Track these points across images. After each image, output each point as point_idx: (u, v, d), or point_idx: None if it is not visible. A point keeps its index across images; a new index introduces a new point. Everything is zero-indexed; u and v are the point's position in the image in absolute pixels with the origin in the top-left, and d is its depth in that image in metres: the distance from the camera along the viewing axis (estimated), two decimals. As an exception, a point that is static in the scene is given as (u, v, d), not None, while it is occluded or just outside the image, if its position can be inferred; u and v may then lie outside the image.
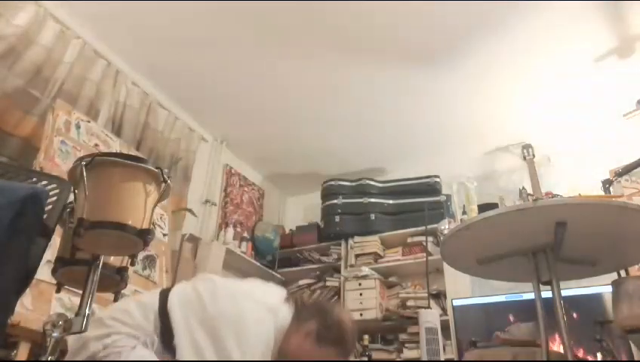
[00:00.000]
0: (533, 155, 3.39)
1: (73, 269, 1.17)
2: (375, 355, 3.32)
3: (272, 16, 2.84)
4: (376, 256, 3.70)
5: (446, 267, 3.03)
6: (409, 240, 3.67)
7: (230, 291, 1.53)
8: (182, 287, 1.54)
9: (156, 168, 1.18)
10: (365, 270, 3.51)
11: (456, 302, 3.04)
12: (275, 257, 4.02)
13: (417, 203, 3.70)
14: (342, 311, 1.72)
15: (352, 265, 3.67)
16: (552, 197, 1.64)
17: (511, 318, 2.57)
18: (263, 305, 1.49)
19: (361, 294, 3.44)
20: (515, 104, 3.53)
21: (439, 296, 3.33)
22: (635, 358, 2.16)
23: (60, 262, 1.17)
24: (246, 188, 4.26)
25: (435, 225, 3.09)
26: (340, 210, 3.87)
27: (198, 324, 1.42)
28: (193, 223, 3.51)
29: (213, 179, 3.88)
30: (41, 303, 1.94)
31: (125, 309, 1.46)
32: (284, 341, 1.48)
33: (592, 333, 2.20)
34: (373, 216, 3.78)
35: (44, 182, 1.24)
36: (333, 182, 4.03)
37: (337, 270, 3.77)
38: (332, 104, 3.60)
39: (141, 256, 2.58)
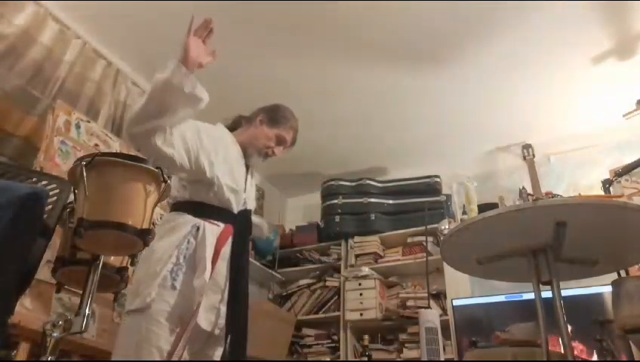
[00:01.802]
0: (533, 155, 3.41)
1: (73, 269, 1.17)
2: (375, 355, 3.32)
3: (273, 16, 2.84)
4: (376, 256, 3.70)
5: (446, 267, 3.03)
6: (409, 240, 3.67)
7: None
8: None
9: (156, 168, 1.18)
10: (365, 270, 3.51)
11: (456, 302, 3.05)
12: (275, 257, 4.02)
13: (417, 203, 3.70)
14: (280, 104, 2.20)
15: (352, 265, 3.67)
16: (552, 197, 1.64)
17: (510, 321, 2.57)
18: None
19: (361, 294, 3.43)
20: (515, 104, 3.53)
21: (439, 296, 3.33)
22: (635, 358, 2.16)
23: (60, 262, 1.17)
24: (246, 188, 4.26)
25: (435, 225, 3.09)
26: (340, 210, 3.87)
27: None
28: (193, 223, 3.51)
29: (213, 179, 3.88)
30: (41, 303, 1.93)
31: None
32: (243, 137, 1.97)
33: (592, 333, 2.20)
34: (373, 216, 3.78)
35: (44, 182, 1.24)
36: (333, 182, 4.03)
37: (337, 270, 3.77)
38: (332, 104, 3.60)
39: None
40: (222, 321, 1.61)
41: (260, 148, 1.98)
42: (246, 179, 1.94)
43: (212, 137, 1.81)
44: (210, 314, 1.60)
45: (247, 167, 1.98)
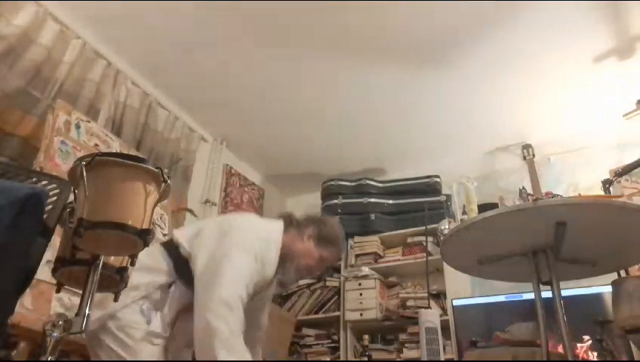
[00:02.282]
0: (533, 155, 3.40)
1: (73, 269, 1.17)
2: (375, 355, 3.32)
3: (272, 16, 2.84)
4: (376, 256, 3.70)
5: (446, 267, 3.03)
6: (409, 240, 3.67)
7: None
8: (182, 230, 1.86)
9: (156, 168, 1.17)
10: (365, 270, 3.51)
11: (456, 302, 3.05)
12: (275, 257, 4.02)
13: (417, 203, 3.70)
14: (333, 218, 2.12)
15: (352, 265, 3.67)
16: (552, 197, 1.64)
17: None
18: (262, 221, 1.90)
19: (361, 294, 3.44)
20: (515, 104, 3.53)
21: (439, 296, 3.33)
22: (635, 358, 2.16)
23: (60, 262, 1.17)
24: (246, 188, 4.27)
25: (435, 225, 3.08)
26: (339, 210, 3.87)
27: (212, 232, 1.71)
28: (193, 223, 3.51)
29: (213, 179, 3.88)
30: (41, 303, 1.93)
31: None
32: (286, 244, 1.79)
33: (592, 333, 2.20)
34: (373, 216, 3.79)
35: (44, 182, 1.24)
36: (333, 182, 4.03)
37: (337, 270, 3.77)
38: (332, 104, 3.60)
39: (141, 256, 2.57)
40: None
41: (301, 269, 1.84)
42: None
43: (261, 265, 1.73)
44: None
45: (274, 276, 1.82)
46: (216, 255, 1.62)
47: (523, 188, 1.81)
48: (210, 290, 1.55)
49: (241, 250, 1.64)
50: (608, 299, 2.10)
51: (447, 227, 2.54)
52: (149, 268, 1.68)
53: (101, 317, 1.55)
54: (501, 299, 2.89)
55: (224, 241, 1.65)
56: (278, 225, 1.84)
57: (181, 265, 1.69)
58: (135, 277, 1.57)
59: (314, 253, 1.83)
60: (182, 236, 1.76)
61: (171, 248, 1.75)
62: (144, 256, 1.67)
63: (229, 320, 1.49)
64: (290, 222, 1.89)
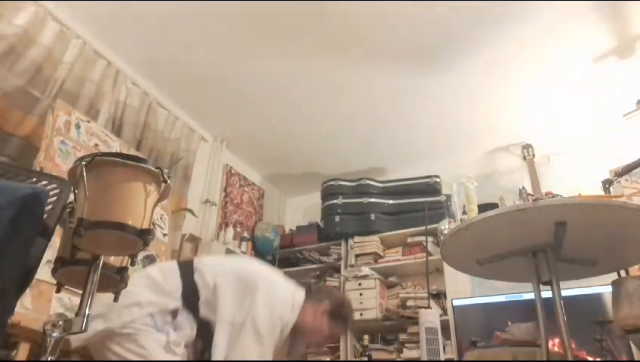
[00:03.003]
0: (533, 155, 3.40)
1: (73, 269, 1.17)
2: (375, 355, 3.32)
3: (272, 16, 2.84)
4: (376, 256, 3.70)
5: (446, 267, 3.03)
6: (409, 240, 3.67)
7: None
8: (203, 257, 1.87)
9: (156, 168, 1.17)
10: (365, 270, 3.51)
11: (456, 302, 3.05)
12: (275, 257, 4.02)
13: (417, 203, 3.70)
14: (345, 295, 2.24)
15: (352, 265, 3.67)
16: (552, 197, 1.64)
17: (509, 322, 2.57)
18: (287, 281, 1.89)
19: (361, 294, 3.43)
20: (515, 104, 3.53)
21: (439, 296, 3.33)
22: (635, 358, 2.16)
23: (60, 262, 1.17)
24: (246, 188, 4.27)
25: (435, 225, 3.09)
26: (339, 210, 3.87)
27: (235, 277, 1.74)
28: (193, 223, 3.51)
29: (213, 179, 3.89)
30: (41, 303, 1.93)
31: (147, 274, 1.73)
32: (302, 316, 1.82)
33: (592, 333, 2.20)
34: (373, 216, 3.79)
35: (44, 182, 1.24)
36: (333, 182, 4.03)
37: (337, 270, 3.77)
38: (332, 104, 3.60)
39: (141, 256, 2.58)
40: None
41: (314, 342, 2.03)
42: None
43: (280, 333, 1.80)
44: None
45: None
46: (245, 316, 1.67)
47: (523, 188, 1.81)
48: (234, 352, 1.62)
49: (267, 324, 1.70)
50: (608, 299, 2.10)
51: (447, 227, 2.54)
52: (160, 289, 1.69)
53: (107, 330, 1.57)
54: (501, 299, 2.89)
55: (255, 301, 1.70)
56: (300, 296, 1.87)
57: (189, 292, 1.71)
58: (143, 294, 1.63)
59: (325, 329, 1.89)
60: (202, 264, 1.80)
61: (187, 270, 1.76)
62: (157, 274, 1.74)
63: None
64: (309, 292, 1.92)
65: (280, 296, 1.80)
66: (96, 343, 1.61)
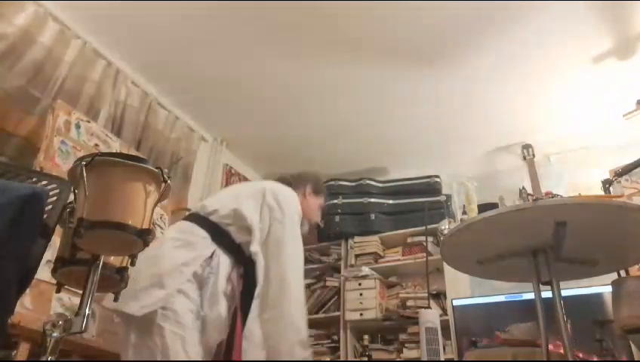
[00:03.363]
0: (533, 155, 3.39)
1: (73, 269, 1.17)
2: (375, 355, 3.32)
3: (272, 15, 2.84)
4: (377, 256, 3.70)
5: (446, 267, 3.03)
6: (409, 240, 3.67)
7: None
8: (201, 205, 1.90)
9: (156, 168, 1.17)
10: (365, 270, 3.51)
11: (456, 302, 3.05)
12: (275, 257, 4.02)
13: (417, 203, 3.70)
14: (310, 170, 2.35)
15: (352, 265, 3.67)
16: (552, 197, 1.64)
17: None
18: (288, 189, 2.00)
19: (361, 294, 3.44)
20: (515, 104, 3.53)
21: (439, 296, 3.33)
22: (635, 358, 2.16)
23: (60, 262, 1.17)
24: (246, 188, 4.26)
25: (435, 225, 3.08)
26: (339, 210, 3.87)
27: (244, 196, 1.86)
28: (193, 223, 3.50)
29: (213, 179, 3.88)
30: (41, 303, 1.94)
31: (172, 238, 1.74)
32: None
33: (592, 333, 2.20)
34: (373, 216, 3.78)
35: (44, 182, 1.24)
36: (333, 182, 4.03)
37: (337, 270, 3.77)
38: (332, 104, 3.60)
39: (141, 256, 2.57)
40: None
41: (313, 220, 2.13)
42: None
43: None
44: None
45: None
46: (280, 231, 1.79)
47: (523, 188, 1.81)
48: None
49: (296, 231, 1.87)
50: (608, 299, 2.10)
51: (447, 227, 2.54)
52: (190, 242, 1.70)
53: (156, 303, 1.55)
54: (501, 299, 2.89)
55: (284, 218, 1.81)
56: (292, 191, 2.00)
57: (218, 235, 1.75)
58: (179, 255, 1.64)
59: (316, 205, 2.14)
60: (208, 208, 1.83)
61: (202, 220, 1.78)
62: (177, 232, 1.75)
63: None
64: (286, 181, 2.08)
65: (288, 192, 1.94)
66: (148, 316, 1.56)
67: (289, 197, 1.91)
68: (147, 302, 1.53)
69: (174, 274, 1.60)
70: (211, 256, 1.69)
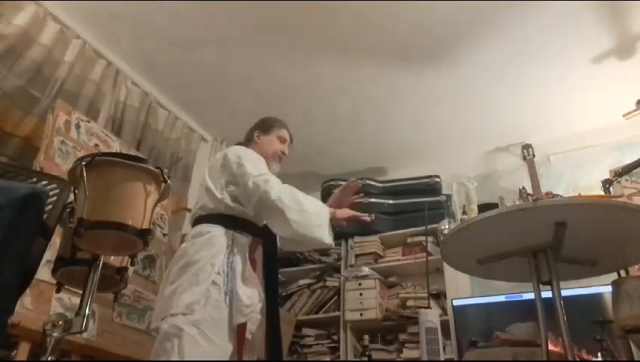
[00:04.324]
0: (533, 155, 3.40)
1: (73, 269, 1.17)
2: (375, 355, 3.32)
3: (272, 16, 2.84)
4: (376, 256, 3.70)
5: (446, 267, 3.03)
6: (409, 240, 3.66)
7: None
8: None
9: (156, 168, 1.18)
10: (365, 270, 3.51)
11: (456, 302, 3.04)
12: (275, 257, 4.01)
13: (417, 203, 3.69)
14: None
15: (352, 265, 3.67)
16: (552, 197, 1.64)
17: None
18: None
19: (361, 294, 3.43)
20: (515, 104, 3.53)
21: (439, 296, 3.32)
22: (635, 358, 2.16)
23: (60, 262, 1.17)
24: (246, 188, 4.26)
25: (435, 225, 3.08)
26: (339, 210, 3.86)
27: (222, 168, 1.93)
28: (193, 223, 3.50)
29: (213, 179, 3.88)
30: (41, 303, 1.94)
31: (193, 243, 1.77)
32: (258, 152, 2.05)
33: (592, 333, 2.20)
34: (373, 216, 3.77)
35: (44, 182, 1.24)
36: (333, 182, 4.02)
37: (337, 270, 3.77)
38: (332, 104, 3.60)
39: (141, 256, 2.58)
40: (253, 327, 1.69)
41: (274, 155, 2.14)
42: None
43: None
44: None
45: None
46: (246, 177, 1.82)
47: (523, 188, 1.81)
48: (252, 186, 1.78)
49: (261, 168, 1.89)
50: (608, 299, 2.10)
51: (447, 227, 2.54)
52: (209, 241, 1.75)
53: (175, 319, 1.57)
54: (501, 299, 2.89)
55: (243, 165, 1.86)
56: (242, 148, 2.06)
57: (226, 217, 1.82)
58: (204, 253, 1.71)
59: (270, 141, 2.16)
60: (200, 207, 1.89)
61: (207, 218, 1.84)
62: (197, 241, 1.78)
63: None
64: (242, 143, 2.16)
65: (238, 148, 2.01)
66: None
67: (239, 150, 1.97)
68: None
69: (191, 287, 1.63)
70: (233, 241, 1.77)
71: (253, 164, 1.87)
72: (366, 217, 1.99)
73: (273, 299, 1.81)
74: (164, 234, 2.90)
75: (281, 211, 1.70)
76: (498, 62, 3.15)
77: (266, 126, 2.21)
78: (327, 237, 1.76)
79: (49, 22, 2.71)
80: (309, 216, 1.74)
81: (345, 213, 1.95)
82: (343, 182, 4.02)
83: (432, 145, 4.01)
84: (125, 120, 3.08)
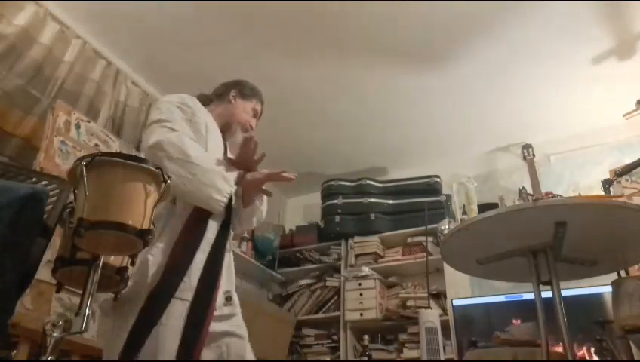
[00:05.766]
0: (533, 155, 3.40)
1: (73, 269, 1.17)
2: (375, 355, 3.32)
3: (273, 16, 2.84)
4: (376, 256, 3.70)
5: (446, 267, 3.03)
6: (409, 240, 3.67)
7: None
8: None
9: (156, 168, 1.17)
10: (365, 270, 3.51)
11: (456, 302, 3.05)
12: (275, 257, 4.02)
13: (417, 203, 3.70)
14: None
15: (352, 265, 3.67)
16: (552, 197, 1.64)
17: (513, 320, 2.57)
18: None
19: (361, 294, 3.44)
20: (516, 104, 3.53)
21: (439, 296, 3.33)
22: (635, 358, 2.16)
23: (60, 262, 1.17)
24: (246, 188, 4.26)
25: (435, 225, 3.08)
26: (339, 210, 3.87)
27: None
28: (193, 223, 3.50)
29: (213, 179, 3.87)
30: (41, 303, 1.94)
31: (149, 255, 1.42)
32: (222, 115, 1.88)
33: (592, 333, 2.20)
34: (373, 216, 3.78)
35: (44, 182, 1.24)
36: (333, 182, 4.03)
37: (337, 270, 3.77)
38: (332, 104, 3.60)
39: (141, 256, 2.58)
40: None
41: (243, 124, 1.94)
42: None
43: (208, 130, 1.74)
44: None
45: (225, 147, 1.86)
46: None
47: (523, 188, 1.81)
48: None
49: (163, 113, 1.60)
50: (608, 299, 2.10)
51: (447, 227, 2.55)
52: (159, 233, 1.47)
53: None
54: (501, 299, 2.89)
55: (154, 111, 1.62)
56: (203, 109, 1.80)
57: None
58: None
59: (246, 107, 1.95)
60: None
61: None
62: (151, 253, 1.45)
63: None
64: (207, 98, 1.94)
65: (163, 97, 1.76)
66: None
67: (161, 99, 1.71)
68: None
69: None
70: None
71: (158, 111, 1.59)
72: (289, 174, 1.71)
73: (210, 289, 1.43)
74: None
75: (159, 159, 1.38)
76: (498, 62, 3.15)
77: (246, 90, 1.99)
78: (220, 201, 1.51)
79: (49, 22, 2.71)
80: (197, 170, 1.47)
81: (258, 174, 1.71)
82: (343, 182, 4.05)
83: (432, 145, 4.01)
84: (125, 120, 3.08)
